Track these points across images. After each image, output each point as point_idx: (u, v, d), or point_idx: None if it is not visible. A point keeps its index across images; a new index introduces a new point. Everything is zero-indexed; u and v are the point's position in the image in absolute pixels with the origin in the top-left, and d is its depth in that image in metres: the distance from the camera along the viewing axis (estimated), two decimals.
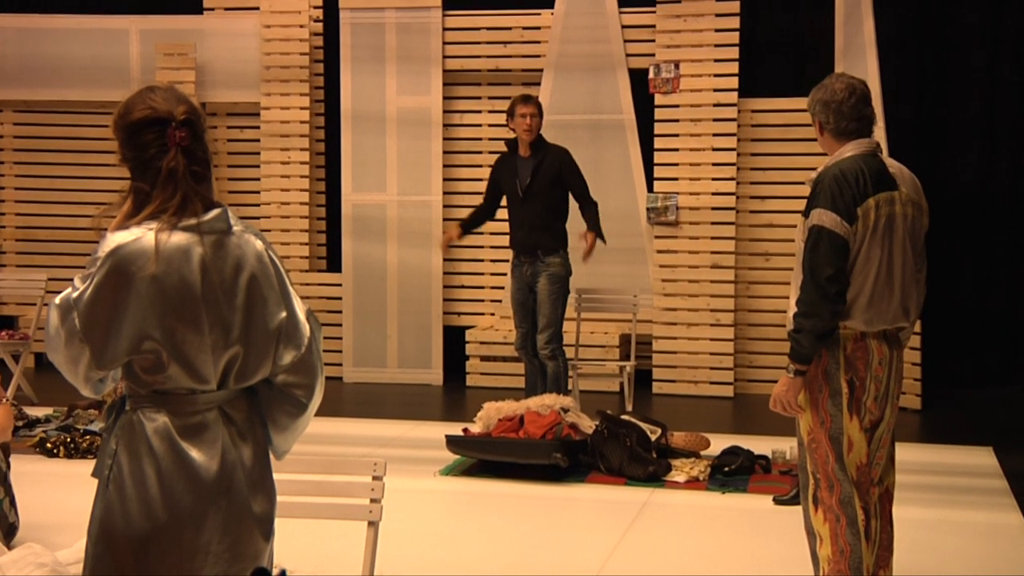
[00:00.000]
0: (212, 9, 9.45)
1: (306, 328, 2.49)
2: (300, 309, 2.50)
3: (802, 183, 8.24)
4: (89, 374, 2.41)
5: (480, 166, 9.07)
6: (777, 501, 5.53)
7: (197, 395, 2.41)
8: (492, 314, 9.03)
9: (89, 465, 2.48)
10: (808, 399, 3.63)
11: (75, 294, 2.38)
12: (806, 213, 3.62)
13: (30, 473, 5.54)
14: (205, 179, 2.46)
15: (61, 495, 5.37)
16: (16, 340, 8.04)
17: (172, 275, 2.36)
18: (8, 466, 4.70)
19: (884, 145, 7.73)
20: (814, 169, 3.79)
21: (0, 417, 4.59)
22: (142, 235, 2.37)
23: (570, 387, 7.17)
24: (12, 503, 4.69)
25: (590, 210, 6.94)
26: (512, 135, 7.06)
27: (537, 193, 6.88)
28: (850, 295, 3.56)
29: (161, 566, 2.37)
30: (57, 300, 2.40)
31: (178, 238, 2.38)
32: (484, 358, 8.71)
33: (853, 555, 3.56)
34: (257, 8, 9.22)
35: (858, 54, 8.16)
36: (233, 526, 2.41)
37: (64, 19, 9.44)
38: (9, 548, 4.30)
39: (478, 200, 8.89)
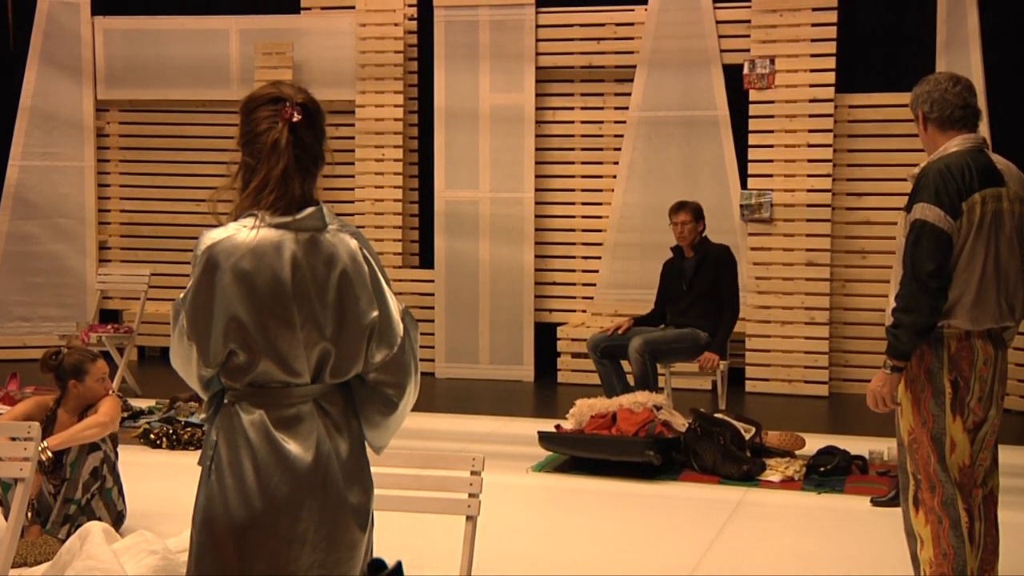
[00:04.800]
0: (309, 8, 9.61)
1: (400, 327, 2.49)
2: (395, 308, 2.50)
3: (901, 179, 8.13)
4: (200, 373, 2.48)
5: (572, 163, 9.07)
6: (875, 502, 5.44)
7: (292, 388, 2.44)
8: (584, 311, 9.03)
9: (190, 456, 2.57)
10: (910, 399, 3.57)
11: (182, 295, 2.46)
12: (908, 208, 3.55)
13: (134, 463, 5.69)
14: (308, 171, 2.49)
15: (164, 485, 5.50)
16: (121, 333, 8.27)
17: (264, 271, 2.40)
18: (116, 456, 4.84)
19: (988, 141, 7.54)
20: (913, 165, 3.72)
21: (108, 408, 4.74)
22: (235, 232, 2.42)
23: (662, 385, 7.14)
24: (120, 492, 4.83)
25: (723, 323, 6.98)
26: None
27: (701, 285, 7.01)
28: (955, 293, 3.49)
29: (259, 553, 2.42)
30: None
31: (271, 234, 2.42)
32: (575, 355, 8.70)
33: (957, 558, 3.49)
34: (353, 7, 9.35)
35: (961, 48, 7.98)
36: (329, 516, 2.45)
37: (167, 20, 9.68)
38: (119, 535, 4.43)
39: (571, 196, 9.03)
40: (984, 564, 3.57)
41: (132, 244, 9.92)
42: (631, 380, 6.93)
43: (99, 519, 4.58)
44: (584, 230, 8.99)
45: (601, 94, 9.03)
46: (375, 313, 2.47)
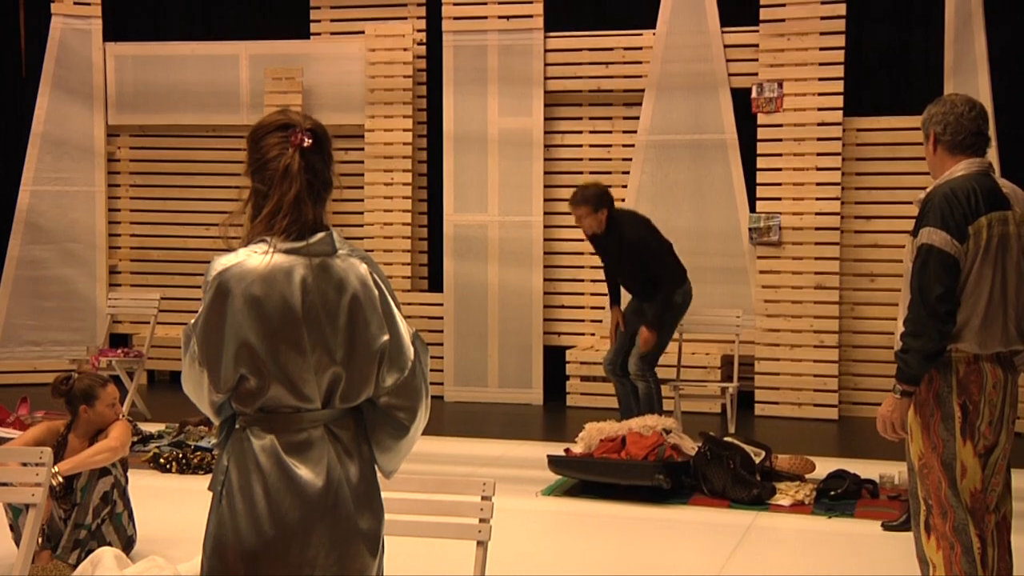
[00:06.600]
0: (319, 34, 9.67)
1: (410, 351, 2.50)
2: (405, 332, 2.51)
3: (909, 202, 8.11)
4: (212, 399, 2.47)
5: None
6: (886, 527, 5.42)
7: (302, 413, 2.44)
8: (592, 334, 9.02)
9: (200, 480, 2.57)
10: (919, 423, 3.56)
11: (193, 321, 2.47)
12: (914, 232, 3.55)
13: (144, 488, 5.69)
14: (319, 195, 2.51)
15: (174, 509, 5.50)
16: (131, 358, 8.28)
17: (274, 296, 2.41)
18: (126, 480, 4.85)
19: (996, 164, 7.55)
20: (921, 188, 3.72)
21: (119, 433, 4.75)
22: (246, 257, 2.43)
23: (671, 408, 7.13)
24: (130, 517, 4.83)
25: (656, 299, 6.82)
26: None
27: (628, 267, 6.96)
28: (963, 317, 3.49)
29: None
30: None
31: (282, 260, 2.42)
32: (584, 378, 8.70)
33: None
34: (362, 32, 9.40)
35: (969, 71, 7.99)
36: (340, 541, 2.45)
37: (177, 46, 9.75)
38: (130, 560, 4.43)
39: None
40: None
41: (142, 268, 9.95)
42: None
43: (109, 544, 4.59)
44: (592, 253, 8.97)
45: (609, 118, 9.07)
46: (385, 337, 2.47)
